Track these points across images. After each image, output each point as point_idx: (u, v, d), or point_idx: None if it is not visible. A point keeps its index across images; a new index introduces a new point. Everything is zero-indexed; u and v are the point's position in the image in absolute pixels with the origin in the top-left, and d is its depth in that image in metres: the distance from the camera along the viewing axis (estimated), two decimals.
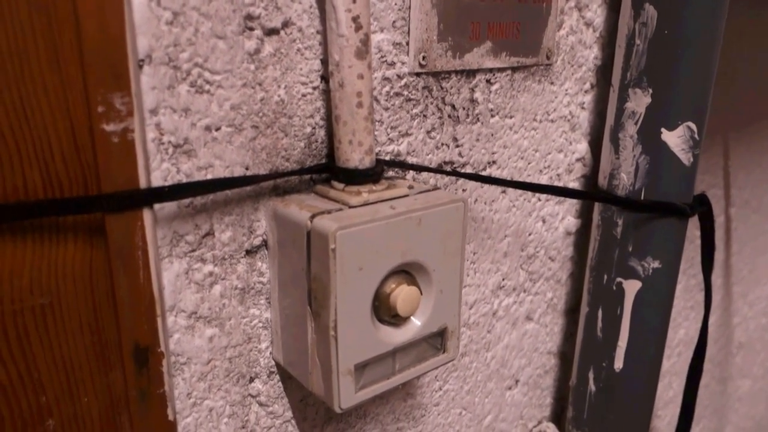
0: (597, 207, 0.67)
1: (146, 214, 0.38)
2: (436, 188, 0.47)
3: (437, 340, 0.48)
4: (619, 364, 0.67)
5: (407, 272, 0.44)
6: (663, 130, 0.60)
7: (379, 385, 0.44)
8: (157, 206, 0.39)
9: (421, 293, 0.44)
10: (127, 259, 0.38)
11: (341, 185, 0.44)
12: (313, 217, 0.40)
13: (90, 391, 0.40)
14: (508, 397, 0.71)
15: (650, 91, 0.60)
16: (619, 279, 0.65)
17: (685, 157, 0.61)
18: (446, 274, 0.46)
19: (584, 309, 0.70)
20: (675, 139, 0.60)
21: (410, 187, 0.46)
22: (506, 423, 0.72)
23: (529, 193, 0.64)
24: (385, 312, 0.43)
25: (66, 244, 0.37)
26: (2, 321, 0.36)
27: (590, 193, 0.67)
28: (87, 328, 0.39)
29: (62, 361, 0.38)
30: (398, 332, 0.44)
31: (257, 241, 0.45)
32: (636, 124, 0.61)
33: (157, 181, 0.39)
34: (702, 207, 0.65)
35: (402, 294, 0.42)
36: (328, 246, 0.39)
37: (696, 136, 0.60)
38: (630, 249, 0.64)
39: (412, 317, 0.45)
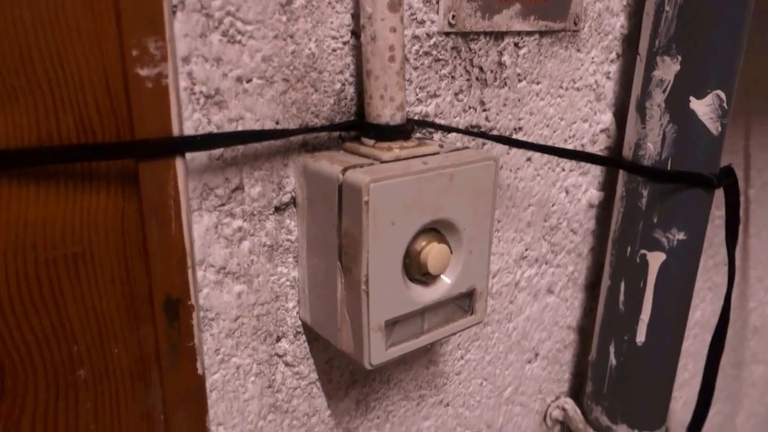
0: (621, 179, 0.67)
1: (179, 164, 0.38)
2: (466, 147, 0.47)
3: (465, 302, 0.47)
4: (641, 337, 0.67)
5: (437, 231, 0.44)
6: (692, 98, 0.59)
7: (408, 343, 0.44)
8: (188, 157, 0.39)
9: (451, 252, 0.44)
10: (160, 208, 0.38)
11: (372, 141, 0.43)
12: (345, 170, 0.40)
13: (120, 343, 0.40)
14: (527, 371, 0.70)
15: (679, 58, 0.59)
16: (643, 251, 0.65)
17: (713, 127, 0.60)
18: (476, 234, 0.45)
19: (606, 282, 0.70)
20: (704, 107, 0.59)
21: (440, 146, 0.45)
22: (525, 396, 0.72)
23: (554, 163, 0.63)
24: (415, 270, 0.43)
25: (98, 193, 0.37)
26: (36, 269, 0.36)
27: (618, 161, 0.66)
28: (118, 280, 0.39)
29: (94, 312, 0.38)
30: (428, 291, 0.44)
31: (286, 198, 0.44)
32: (664, 92, 0.60)
33: (188, 131, 0.39)
34: (728, 179, 0.64)
35: (433, 251, 0.42)
36: (361, 199, 0.38)
37: (725, 104, 0.59)
38: (655, 220, 0.63)
39: (442, 276, 0.44)
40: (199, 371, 0.42)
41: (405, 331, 0.44)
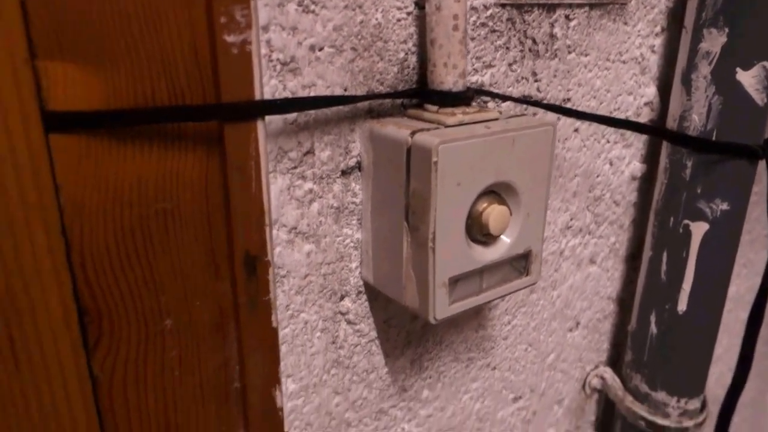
0: (665, 151, 0.68)
1: (259, 127, 0.40)
2: (523, 114, 0.48)
3: (521, 263, 0.49)
4: (682, 306, 0.68)
5: (496, 193, 0.46)
6: (738, 69, 0.60)
7: (468, 300, 0.46)
8: (266, 120, 0.41)
9: (511, 214, 0.46)
10: (242, 168, 0.40)
11: (435, 107, 0.45)
12: (413, 133, 0.42)
13: (202, 296, 0.42)
14: (569, 338, 0.72)
15: (726, 30, 0.59)
16: (686, 221, 0.66)
17: (759, 98, 0.61)
18: (534, 197, 0.47)
19: (647, 253, 0.71)
20: (750, 79, 0.60)
21: (500, 112, 0.47)
22: (567, 363, 0.74)
23: (599, 134, 0.64)
24: (476, 230, 0.45)
25: (186, 154, 0.39)
26: (131, 224, 0.38)
27: (666, 131, 0.67)
28: (201, 236, 0.41)
29: (180, 266, 0.41)
30: (488, 251, 0.46)
31: (352, 162, 0.47)
32: (710, 64, 0.61)
33: (266, 96, 0.41)
34: None
35: (494, 212, 0.44)
36: (430, 160, 0.40)
37: None
38: (699, 191, 0.64)
39: (501, 236, 0.46)
40: (273, 324, 0.45)
41: (465, 288, 0.46)
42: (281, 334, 0.47)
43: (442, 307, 0.44)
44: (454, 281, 0.45)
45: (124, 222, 0.38)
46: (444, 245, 0.43)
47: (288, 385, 0.48)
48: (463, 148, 0.41)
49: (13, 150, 0.34)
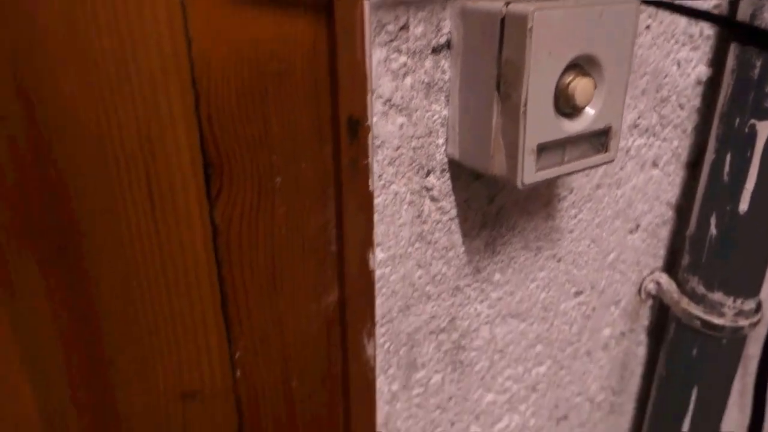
0: (732, 53, 0.68)
1: None
2: None
3: (600, 140, 0.52)
4: (744, 206, 0.70)
5: (581, 67, 0.48)
6: None
7: (552, 170, 0.49)
8: None
9: (595, 87, 0.48)
10: (350, 33, 0.43)
11: None
12: (507, 4, 0.44)
13: (308, 157, 0.46)
14: (629, 240, 0.75)
15: None
16: (752, 121, 0.67)
17: None
18: (616, 73, 0.49)
19: (710, 156, 0.72)
20: None
21: None
22: (625, 265, 0.76)
23: (669, 33, 0.65)
24: (563, 102, 0.47)
25: (297, 19, 0.42)
26: (250, 81, 0.42)
27: (740, 24, 0.67)
28: (309, 99, 0.44)
29: (290, 126, 0.44)
30: (573, 123, 0.48)
31: (442, 40, 0.49)
32: None
33: None
34: None
35: (581, 83, 0.46)
36: (525, 26, 0.42)
37: None
38: (767, 90, 0.65)
39: (586, 108, 0.49)
40: (370, 188, 0.48)
41: (549, 159, 0.49)
42: (374, 202, 0.50)
43: (530, 172, 0.47)
44: (541, 149, 0.47)
45: (244, 79, 0.41)
46: (534, 112, 0.45)
47: (378, 253, 0.52)
48: (555, 17, 0.43)
49: (152, 2, 0.37)
